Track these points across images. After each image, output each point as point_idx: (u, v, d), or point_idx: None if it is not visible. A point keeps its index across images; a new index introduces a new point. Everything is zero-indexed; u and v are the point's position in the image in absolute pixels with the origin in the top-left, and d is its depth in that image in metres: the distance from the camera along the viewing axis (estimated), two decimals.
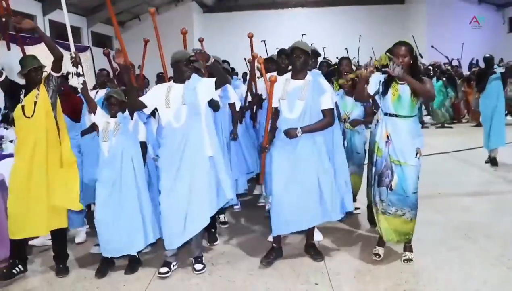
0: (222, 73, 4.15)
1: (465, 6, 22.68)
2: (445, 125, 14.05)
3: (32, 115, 4.08)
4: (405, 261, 4.13)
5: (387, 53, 3.92)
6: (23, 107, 4.10)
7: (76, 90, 5.55)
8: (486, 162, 8.21)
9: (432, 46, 15.86)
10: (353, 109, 5.30)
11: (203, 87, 4.09)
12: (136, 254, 4.34)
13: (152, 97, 4.19)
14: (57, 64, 4.18)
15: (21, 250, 4.28)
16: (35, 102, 4.10)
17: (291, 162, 4.11)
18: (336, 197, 4.21)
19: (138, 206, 4.17)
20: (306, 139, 4.07)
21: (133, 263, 4.30)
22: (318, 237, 4.72)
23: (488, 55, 8.33)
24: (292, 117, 4.10)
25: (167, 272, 4.15)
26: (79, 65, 4.22)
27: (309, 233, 4.43)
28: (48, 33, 18.92)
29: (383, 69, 3.91)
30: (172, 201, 4.02)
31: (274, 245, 4.37)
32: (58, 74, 4.23)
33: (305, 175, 4.09)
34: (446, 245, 4.55)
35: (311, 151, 4.09)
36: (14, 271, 4.17)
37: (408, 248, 4.22)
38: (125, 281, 4.11)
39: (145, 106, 4.16)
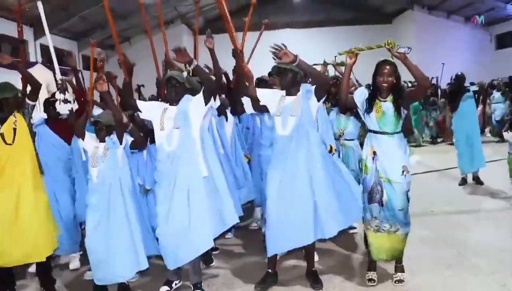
0: (206, 77, 4.08)
1: (453, 25, 23.05)
2: (421, 144, 14.09)
3: (13, 142, 4.02)
4: (397, 282, 4.11)
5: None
6: (2, 135, 4.01)
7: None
8: (459, 185, 7.98)
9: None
10: (347, 125, 5.35)
11: (194, 107, 4.03)
12: (126, 281, 4.24)
13: (149, 108, 4.17)
14: (34, 94, 4.21)
15: (9, 279, 4.25)
16: (15, 129, 4.04)
17: (285, 180, 4.04)
18: (332, 212, 4.06)
19: (128, 233, 4.09)
20: (301, 153, 4.01)
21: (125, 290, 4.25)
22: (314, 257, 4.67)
23: (459, 73, 8.05)
24: (285, 134, 4.06)
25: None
26: (66, 92, 4.21)
27: (309, 258, 4.33)
28: (39, 58, 18.95)
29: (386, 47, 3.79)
30: (170, 226, 3.95)
31: (270, 270, 4.27)
32: (34, 103, 4.25)
33: (300, 191, 4.01)
34: (440, 262, 4.55)
35: (307, 169, 4.02)
36: None
37: (399, 268, 4.20)
38: None
39: (138, 109, 4.14)
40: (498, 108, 13.46)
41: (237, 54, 4.29)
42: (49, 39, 4.39)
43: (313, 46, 22.46)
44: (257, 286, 4.19)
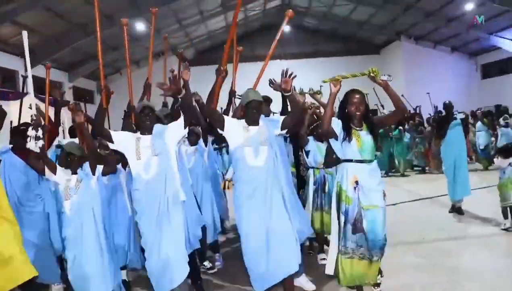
0: (188, 108, 4.10)
1: (439, 54, 23.54)
2: (404, 174, 14.23)
3: None
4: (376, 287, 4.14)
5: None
6: None
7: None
8: (450, 212, 8.00)
9: (402, 95, 16.15)
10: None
11: (171, 133, 4.09)
12: None
13: (122, 138, 4.13)
14: None
15: None
16: None
17: (264, 215, 3.99)
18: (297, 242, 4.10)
19: (99, 262, 4.06)
20: (276, 182, 4.04)
21: None
22: (310, 287, 4.66)
23: (447, 101, 8.10)
24: (259, 164, 4.03)
25: None
26: (38, 129, 4.18)
27: (287, 288, 4.19)
28: (31, 88, 18.94)
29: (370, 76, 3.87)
30: (156, 250, 3.97)
31: None
32: None
33: (279, 224, 3.98)
34: (433, 289, 4.55)
35: (281, 203, 4.04)
36: None
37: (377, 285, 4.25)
38: None
39: (111, 140, 4.07)
40: (480, 136, 13.64)
41: (220, 71, 4.38)
42: (29, 69, 4.40)
43: (302, 76, 22.64)
44: None
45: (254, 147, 4.03)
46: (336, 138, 4.10)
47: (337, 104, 4.19)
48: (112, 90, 4.55)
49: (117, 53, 18.79)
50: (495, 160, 6.99)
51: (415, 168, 15.04)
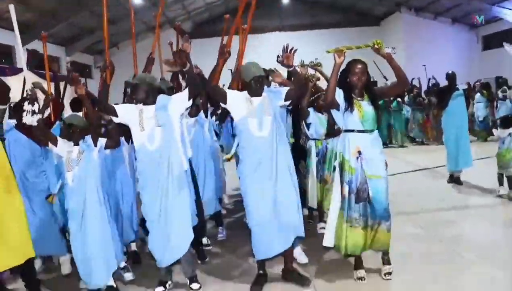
0: (195, 80, 4.14)
1: (439, 26, 23.30)
2: (403, 145, 14.29)
3: None
4: (386, 275, 4.13)
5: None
6: None
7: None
8: (448, 182, 8.05)
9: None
10: None
11: (175, 104, 4.10)
12: (113, 284, 4.23)
13: (126, 111, 4.15)
14: (1, 96, 4.13)
15: None
16: None
17: (270, 184, 4.02)
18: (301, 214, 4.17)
19: (101, 238, 4.10)
20: (280, 153, 4.06)
21: None
22: (303, 259, 4.69)
23: (450, 72, 8.02)
24: (263, 134, 4.04)
25: None
26: (35, 103, 4.17)
27: (287, 257, 4.27)
28: (25, 63, 18.82)
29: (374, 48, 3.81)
30: (162, 223, 4.01)
31: (261, 272, 4.26)
32: (3, 107, 4.20)
33: (283, 192, 4.03)
34: (431, 258, 4.59)
35: (287, 172, 4.07)
36: None
37: (386, 261, 4.22)
38: None
39: (115, 114, 4.10)
40: (479, 108, 13.58)
41: (223, 49, 4.25)
42: (19, 42, 4.34)
43: (302, 48, 22.45)
44: (253, 288, 4.17)
45: (258, 118, 4.04)
46: (338, 109, 4.09)
47: None
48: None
49: (113, 27, 18.60)
50: (494, 131, 7.03)
51: (415, 140, 15.03)
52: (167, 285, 4.26)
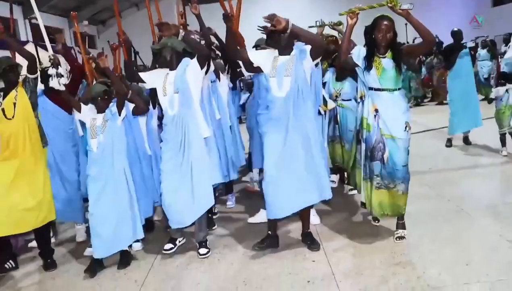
0: (196, 45, 4.19)
1: None
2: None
3: (13, 117, 4.10)
4: (398, 239, 4.15)
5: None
6: (3, 109, 4.12)
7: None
8: (447, 146, 7.91)
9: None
10: (343, 86, 5.37)
11: (191, 71, 4.15)
12: (128, 248, 4.33)
13: (152, 77, 4.32)
14: (31, 66, 4.23)
15: (8, 248, 4.39)
16: (14, 104, 4.13)
17: (284, 142, 4.00)
18: (326, 176, 4.15)
19: (128, 203, 4.19)
20: (298, 115, 3.97)
21: (125, 258, 4.29)
22: (315, 220, 4.73)
23: (455, 29, 7.69)
24: (281, 95, 3.99)
25: (171, 248, 4.35)
26: (59, 66, 4.23)
27: (304, 220, 4.34)
28: (30, 36, 18.78)
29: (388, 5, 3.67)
30: (176, 183, 4.12)
31: (269, 232, 4.29)
32: (34, 76, 4.28)
33: (300, 154, 4.00)
34: (439, 218, 4.62)
35: (304, 131, 4.00)
36: (6, 266, 4.31)
37: (400, 225, 4.24)
38: (125, 270, 4.18)
39: (143, 81, 4.30)
40: (485, 66, 13.28)
41: (228, 18, 4.28)
42: (38, 17, 4.36)
43: (315, 10, 22.01)
44: (255, 245, 4.24)
45: (278, 77, 4.00)
46: (353, 69, 4.11)
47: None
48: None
49: None
50: (493, 89, 6.95)
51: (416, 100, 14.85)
52: (177, 242, 4.41)
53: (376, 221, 4.55)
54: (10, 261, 4.34)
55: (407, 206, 4.17)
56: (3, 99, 4.15)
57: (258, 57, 4.18)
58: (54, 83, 4.25)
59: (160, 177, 4.26)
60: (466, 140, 7.95)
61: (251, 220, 4.99)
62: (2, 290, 4.07)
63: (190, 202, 4.12)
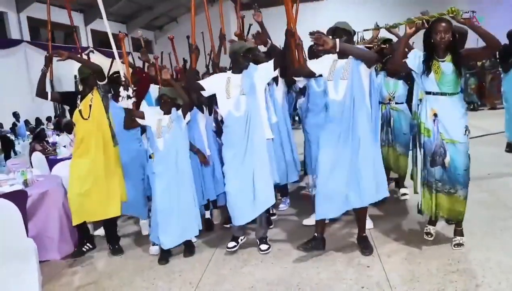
0: (279, 53, 4.44)
1: None
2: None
3: (88, 117, 4.58)
4: (456, 246, 4.06)
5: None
6: (80, 111, 4.63)
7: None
8: (507, 151, 7.58)
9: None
10: (396, 88, 5.30)
11: (260, 73, 4.35)
12: (191, 239, 4.68)
13: (212, 83, 4.48)
14: (99, 76, 4.67)
15: (85, 231, 4.97)
16: (90, 105, 4.61)
17: (338, 144, 4.03)
18: (371, 181, 4.06)
19: (192, 197, 4.51)
20: (352, 118, 3.98)
21: (190, 247, 4.64)
22: (368, 224, 4.68)
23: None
24: (338, 99, 4.03)
25: (235, 246, 4.54)
26: (129, 88, 4.53)
27: (359, 223, 4.33)
28: (90, 42, 19.55)
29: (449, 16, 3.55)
30: (239, 183, 4.31)
31: (316, 234, 4.30)
32: (103, 82, 4.71)
33: (350, 156, 4.00)
34: (498, 225, 4.50)
35: (357, 132, 3.99)
36: (83, 249, 4.89)
37: (458, 232, 4.15)
38: (180, 271, 4.28)
39: (203, 89, 4.46)
40: None
41: (290, 33, 4.26)
42: (107, 25, 4.61)
43: (363, 13, 21.81)
44: (300, 246, 4.30)
45: (335, 81, 4.06)
46: (406, 73, 4.14)
47: None
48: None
49: (171, 3, 18.88)
50: None
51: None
52: (239, 240, 4.59)
53: (432, 229, 4.38)
54: (88, 244, 4.93)
55: (466, 212, 4.07)
56: (80, 101, 4.64)
57: (317, 66, 4.22)
58: (124, 103, 4.56)
59: (224, 178, 4.46)
60: None
61: (306, 221, 5.02)
62: (56, 286, 4.25)
63: (251, 200, 4.31)
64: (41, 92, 4.64)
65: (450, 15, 3.56)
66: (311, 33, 3.87)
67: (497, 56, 9.42)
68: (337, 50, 3.85)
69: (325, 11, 21.91)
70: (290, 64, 4.36)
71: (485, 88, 13.84)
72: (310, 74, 4.34)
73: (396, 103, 5.36)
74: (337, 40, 3.84)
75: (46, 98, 4.70)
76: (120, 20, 20.27)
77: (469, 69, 13.69)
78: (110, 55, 4.81)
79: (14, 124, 14.44)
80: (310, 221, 4.96)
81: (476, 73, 13.81)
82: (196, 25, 4.64)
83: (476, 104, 14.14)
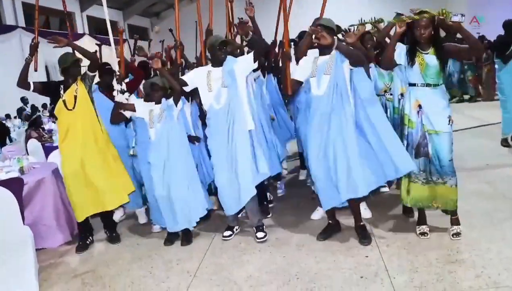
0: (261, 44, 4.43)
1: None
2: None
3: (73, 108, 4.45)
4: (454, 236, 4.05)
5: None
6: (64, 101, 4.48)
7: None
8: (503, 146, 7.27)
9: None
10: (392, 80, 5.23)
11: (240, 65, 4.36)
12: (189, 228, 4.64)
13: (193, 77, 4.53)
14: (92, 66, 4.55)
15: (88, 225, 4.88)
16: (75, 96, 4.47)
17: (324, 137, 4.08)
18: (368, 169, 4.05)
19: (187, 184, 4.48)
20: (335, 112, 4.03)
21: (187, 236, 4.62)
22: (366, 214, 4.72)
23: (507, 20, 7.09)
24: (320, 93, 4.10)
25: (230, 235, 4.61)
26: (123, 82, 4.59)
27: (355, 213, 4.33)
28: (87, 29, 19.38)
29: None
30: (226, 173, 4.33)
31: (330, 221, 4.42)
32: (93, 74, 4.60)
33: (337, 149, 4.02)
34: (497, 216, 4.48)
35: (343, 125, 4.02)
36: (87, 242, 4.81)
37: (454, 221, 4.13)
38: (178, 259, 4.26)
39: (186, 84, 4.47)
40: None
41: (286, 56, 4.35)
42: (106, 12, 4.58)
43: (352, 7, 21.65)
44: (319, 236, 4.34)
45: (318, 76, 4.11)
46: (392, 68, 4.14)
47: None
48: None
49: None
50: None
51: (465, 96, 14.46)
52: (234, 230, 4.64)
53: (410, 215, 4.55)
54: (90, 237, 4.87)
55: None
56: (64, 92, 4.49)
57: (302, 73, 4.25)
58: (119, 98, 4.61)
59: (213, 170, 4.50)
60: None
61: (313, 216, 4.97)
62: (53, 274, 4.23)
63: (237, 190, 4.35)
64: (22, 83, 4.43)
65: (441, 16, 3.61)
66: (311, 28, 4.01)
67: (492, 49, 9.34)
68: (334, 47, 4.00)
69: (316, 3, 21.68)
70: (284, 88, 4.47)
71: (481, 80, 13.82)
72: (299, 86, 4.40)
73: (392, 94, 5.30)
74: (335, 38, 4.01)
75: (28, 89, 4.48)
76: (117, 6, 20.08)
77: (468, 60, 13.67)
78: (107, 42, 4.76)
79: (22, 109, 14.39)
80: (317, 214, 4.94)
81: (472, 64, 13.79)
82: (189, 15, 4.65)
83: (473, 96, 14.13)
